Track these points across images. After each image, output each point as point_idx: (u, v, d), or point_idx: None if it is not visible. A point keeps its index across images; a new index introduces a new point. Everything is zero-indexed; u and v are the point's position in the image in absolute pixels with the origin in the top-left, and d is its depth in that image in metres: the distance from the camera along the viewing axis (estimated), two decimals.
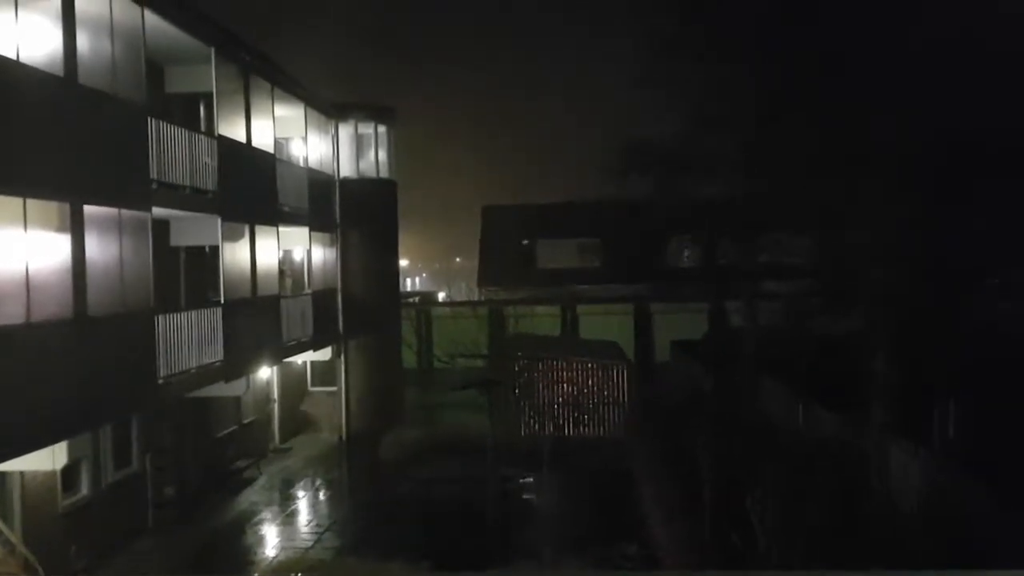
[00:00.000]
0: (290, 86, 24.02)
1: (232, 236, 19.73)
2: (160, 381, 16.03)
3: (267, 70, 22.28)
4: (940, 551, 12.76)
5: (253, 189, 21.17)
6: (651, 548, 16.76)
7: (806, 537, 12.00)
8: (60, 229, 13.40)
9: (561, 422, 26.20)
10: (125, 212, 15.00)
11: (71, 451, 14.51)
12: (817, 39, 14.78)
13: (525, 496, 20.94)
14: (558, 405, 26.33)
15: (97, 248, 14.16)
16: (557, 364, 26.79)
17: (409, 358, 34.63)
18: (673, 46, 17.83)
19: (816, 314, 18.99)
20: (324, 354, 27.16)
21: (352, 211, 28.34)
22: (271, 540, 18.58)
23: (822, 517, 12.41)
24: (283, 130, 24.49)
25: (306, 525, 19.68)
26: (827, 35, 14.62)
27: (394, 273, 30.84)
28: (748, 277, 22.03)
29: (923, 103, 13.57)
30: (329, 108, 27.67)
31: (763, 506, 12.51)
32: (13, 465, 13.24)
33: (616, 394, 26.74)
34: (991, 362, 15.91)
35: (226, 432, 23.18)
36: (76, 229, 13.54)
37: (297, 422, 28.30)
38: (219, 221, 18.89)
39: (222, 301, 18.92)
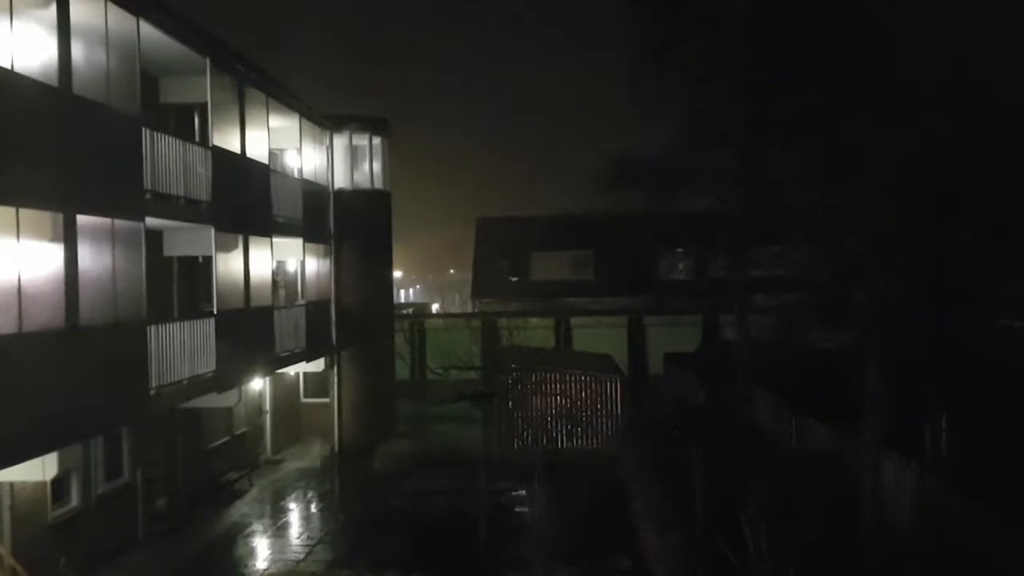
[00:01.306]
0: (285, 97, 24.04)
1: (225, 247, 19.72)
2: (152, 392, 15.98)
3: (262, 81, 22.30)
4: (935, 566, 12.75)
5: (247, 200, 21.15)
6: (644, 561, 16.72)
7: (799, 552, 11.97)
8: (53, 239, 13.37)
9: (554, 434, 26.16)
10: (118, 222, 14.98)
11: (61, 462, 14.49)
12: (813, 46, 14.78)
13: (517, 509, 20.89)
14: (551, 417, 26.27)
15: (90, 258, 14.11)
16: (551, 376, 26.77)
17: (402, 370, 34.62)
18: (666, 56, 17.84)
19: (809, 327, 18.99)
20: (317, 365, 27.10)
21: (346, 222, 28.37)
22: (262, 552, 18.49)
23: (814, 531, 12.39)
24: (278, 141, 24.51)
25: (297, 537, 19.60)
26: (823, 42, 14.62)
27: (388, 284, 30.81)
28: (742, 289, 22.03)
29: (920, 114, 13.56)
30: (323, 119, 27.72)
31: (756, 521, 12.47)
32: (2, 476, 13.18)
33: (610, 406, 26.75)
34: (985, 375, 15.90)
35: (218, 443, 23.09)
36: (69, 239, 13.51)
37: (289, 433, 28.22)
38: (212, 232, 18.88)
39: (215, 312, 18.89)
